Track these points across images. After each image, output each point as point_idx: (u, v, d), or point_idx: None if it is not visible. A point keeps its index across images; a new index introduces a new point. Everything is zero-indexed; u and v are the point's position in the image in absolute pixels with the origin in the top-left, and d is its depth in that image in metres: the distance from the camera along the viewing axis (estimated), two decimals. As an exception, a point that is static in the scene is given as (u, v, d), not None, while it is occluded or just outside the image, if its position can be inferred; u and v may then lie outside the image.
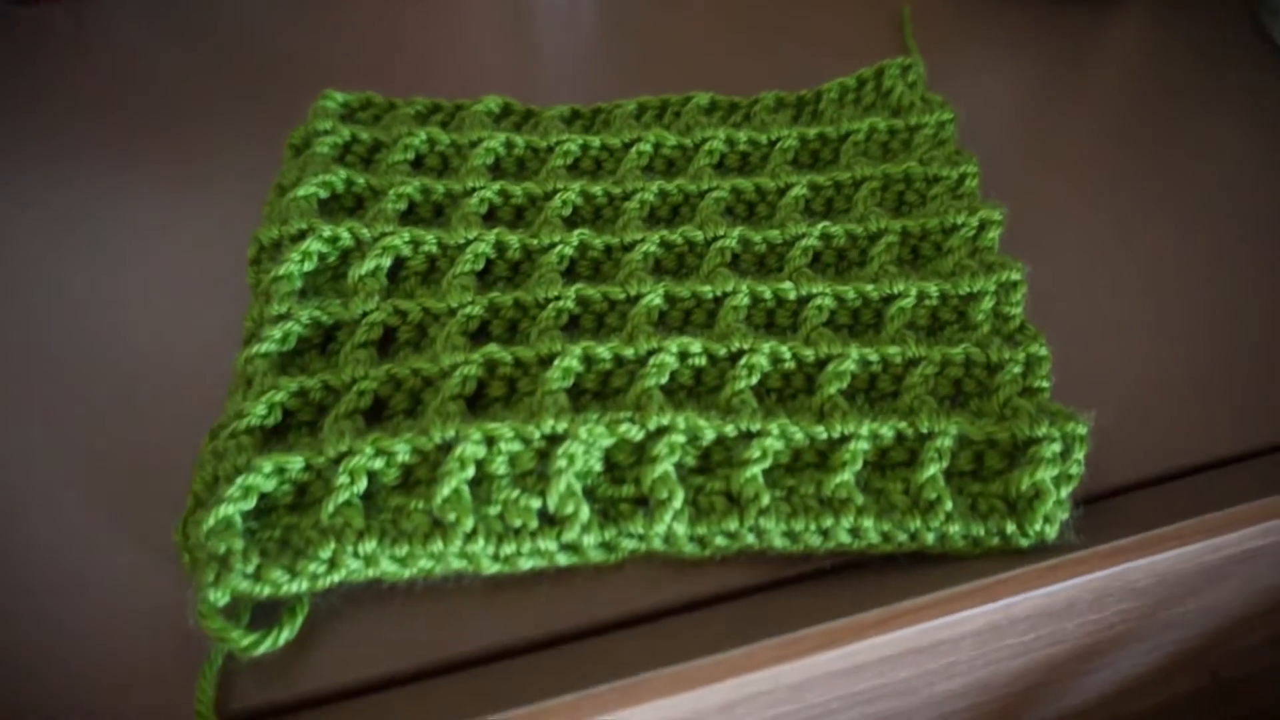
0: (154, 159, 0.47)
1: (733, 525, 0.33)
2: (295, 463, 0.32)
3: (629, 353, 0.36)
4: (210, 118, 0.49)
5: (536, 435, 0.33)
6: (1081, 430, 0.34)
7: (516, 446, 0.33)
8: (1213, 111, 0.55)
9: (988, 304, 0.39)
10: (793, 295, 0.39)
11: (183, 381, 0.37)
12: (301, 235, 0.39)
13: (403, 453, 0.33)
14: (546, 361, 0.36)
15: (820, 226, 0.42)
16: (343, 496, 0.31)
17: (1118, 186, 0.50)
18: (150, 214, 0.44)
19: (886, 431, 0.35)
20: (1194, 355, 0.42)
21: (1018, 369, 0.37)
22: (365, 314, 0.38)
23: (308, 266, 0.39)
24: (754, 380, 0.36)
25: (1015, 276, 0.39)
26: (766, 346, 0.37)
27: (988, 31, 0.59)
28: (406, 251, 0.40)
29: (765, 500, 0.33)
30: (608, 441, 0.34)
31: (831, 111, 0.48)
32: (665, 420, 0.34)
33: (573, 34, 0.58)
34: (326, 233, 0.39)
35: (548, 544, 0.32)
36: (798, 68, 0.53)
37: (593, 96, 0.50)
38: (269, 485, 0.32)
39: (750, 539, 0.33)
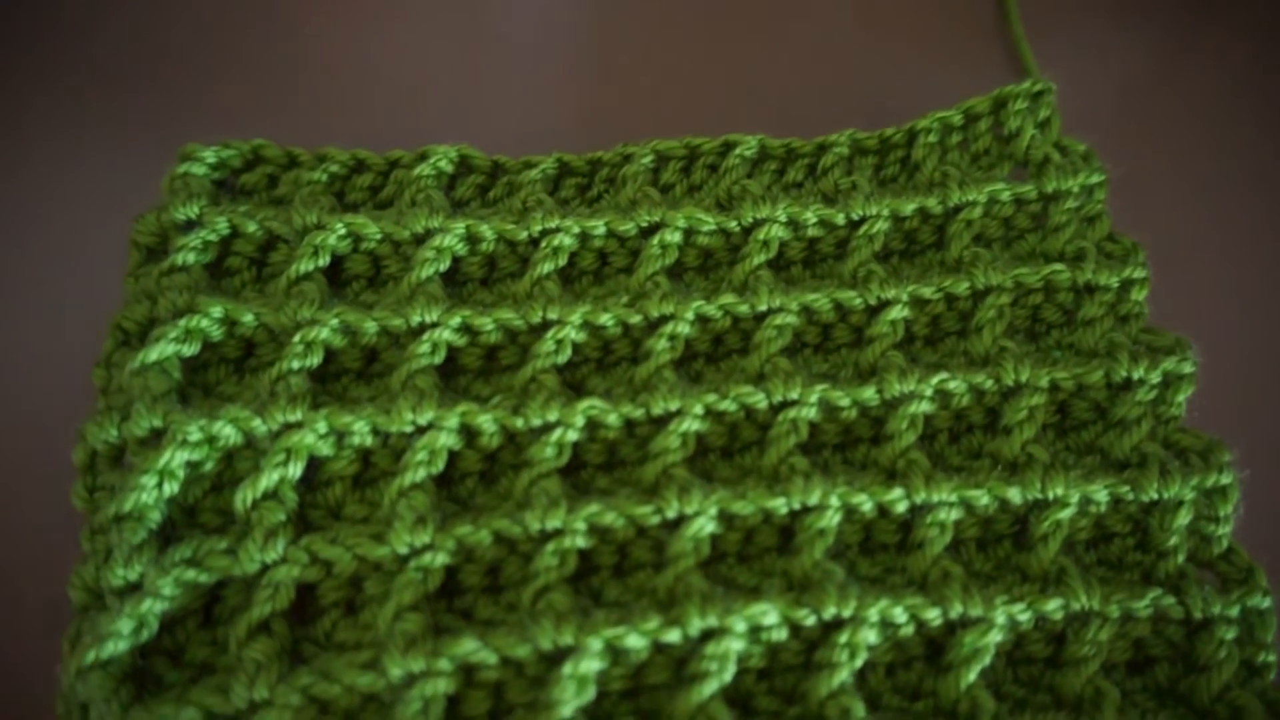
0: None
1: None
2: None
3: (672, 636, 0.24)
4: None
5: None
6: None
7: None
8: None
9: (1183, 519, 0.27)
10: (903, 506, 0.27)
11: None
12: (155, 435, 0.25)
13: None
14: (555, 660, 0.23)
15: (935, 381, 0.28)
16: None
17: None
18: None
19: None
20: None
21: (1231, 634, 0.26)
22: (266, 567, 0.25)
23: (170, 490, 0.25)
24: (858, 663, 0.24)
25: (1225, 480, 0.27)
26: (874, 611, 0.25)
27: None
28: (326, 450, 0.26)
29: None
30: None
31: (932, 163, 0.33)
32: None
33: (555, 32, 0.41)
34: (194, 434, 0.25)
35: None
36: (866, 66, 0.39)
37: (586, 125, 0.35)
38: None
39: None
